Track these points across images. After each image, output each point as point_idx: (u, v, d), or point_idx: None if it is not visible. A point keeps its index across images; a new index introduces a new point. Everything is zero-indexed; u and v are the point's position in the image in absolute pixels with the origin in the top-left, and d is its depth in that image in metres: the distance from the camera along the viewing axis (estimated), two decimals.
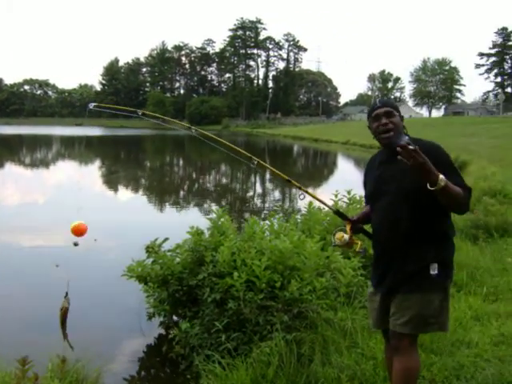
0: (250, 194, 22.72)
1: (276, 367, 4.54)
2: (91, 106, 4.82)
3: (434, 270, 3.42)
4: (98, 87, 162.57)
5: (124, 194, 21.71)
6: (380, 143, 3.66)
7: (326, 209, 7.78)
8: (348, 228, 4.04)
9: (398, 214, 3.51)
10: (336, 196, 8.00)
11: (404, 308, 3.48)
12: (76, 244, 3.91)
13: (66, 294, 3.91)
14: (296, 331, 5.10)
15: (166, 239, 6.56)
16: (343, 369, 4.63)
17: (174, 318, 6.49)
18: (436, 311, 3.46)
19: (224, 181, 28.14)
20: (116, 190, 23.05)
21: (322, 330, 5.22)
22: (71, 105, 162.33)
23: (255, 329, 5.26)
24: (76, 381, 4.70)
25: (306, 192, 4.41)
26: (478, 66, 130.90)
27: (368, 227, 4.05)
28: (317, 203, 8.55)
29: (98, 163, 36.89)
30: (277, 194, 21.55)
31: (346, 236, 3.97)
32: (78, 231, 3.98)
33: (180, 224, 8.74)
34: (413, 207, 3.45)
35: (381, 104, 3.61)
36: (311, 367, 4.64)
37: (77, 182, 23.51)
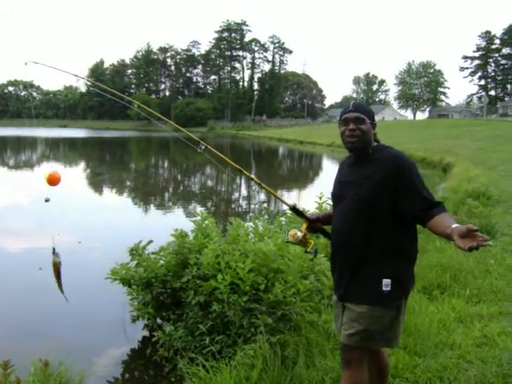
0: (236, 196, 22.73)
1: (260, 370, 4.53)
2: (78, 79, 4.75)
3: (386, 287, 3.30)
4: (83, 89, 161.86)
5: (109, 196, 21.64)
6: (345, 147, 3.58)
7: (311, 210, 7.79)
8: (304, 227, 4.00)
9: (352, 222, 3.43)
10: (320, 198, 8.01)
11: (352, 320, 3.39)
12: (47, 200, 3.83)
13: (54, 249, 3.85)
14: (280, 334, 5.09)
15: (150, 242, 6.55)
16: (327, 371, 4.63)
17: (158, 320, 6.47)
18: (384, 327, 3.36)
19: (209, 183, 28.13)
20: (101, 192, 22.98)
21: (306, 332, 5.23)
22: (56, 106, 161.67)
23: (239, 331, 5.27)
24: None
25: (260, 185, 4.31)
26: (462, 68, 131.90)
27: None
28: (301, 204, 8.58)
29: (82, 165, 36.76)
30: (262, 197, 21.57)
31: (300, 234, 3.92)
32: (53, 180, 3.89)
33: (164, 226, 8.72)
34: (368, 217, 3.36)
35: (353, 108, 3.50)
36: (295, 370, 4.63)
37: (61, 184, 23.40)
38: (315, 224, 4.03)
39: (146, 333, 6.67)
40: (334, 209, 3.71)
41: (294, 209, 4.12)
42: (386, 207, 3.30)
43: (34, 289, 8.60)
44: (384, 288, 3.30)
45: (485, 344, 5.31)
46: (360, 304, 3.38)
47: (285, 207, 4.35)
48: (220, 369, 4.61)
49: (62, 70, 4.82)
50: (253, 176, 4.33)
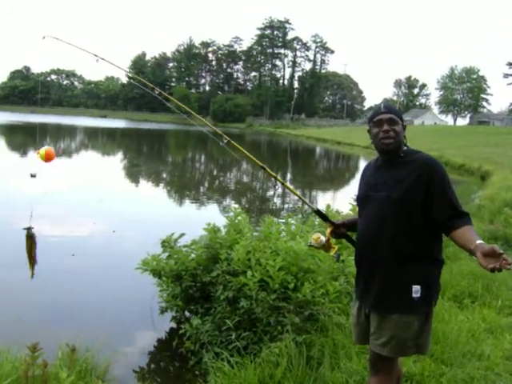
0: (270, 193, 22.70)
1: (284, 368, 4.52)
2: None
3: (416, 293, 3.26)
4: (124, 80, 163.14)
5: (144, 187, 21.81)
6: (377, 149, 3.52)
7: (345, 212, 7.75)
8: (328, 231, 3.91)
9: (381, 225, 3.37)
10: (355, 200, 7.95)
11: (382, 328, 3.35)
12: (33, 175, 3.80)
13: (29, 227, 3.83)
14: (306, 333, 5.08)
15: (182, 234, 6.59)
16: (351, 374, 4.60)
17: (186, 313, 6.50)
18: (415, 334, 3.31)
19: (245, 179, 28.15)
20: (137, 183, 23.18)
21: (333, 333, 5.20)
22: (97, 96, 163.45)
23: (266, 329, 5.26)
24: (85, 370, 4.73)
25: (283, 184, 4.26)
26: (506, 75, 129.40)
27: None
28: (336, 206, 8.54)
29: (120, 156, 37.11)
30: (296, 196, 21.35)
31: (323, 238, 3.84)
32: (49, 156, 3.85)
33: (197, 220, 8.77)
34: (398, 221, 3.31)
35: (385, 110, 3.44)
36: (319, 370, 4.62)
37: (98, 173, 23.72)
38: (340, 229, 3.93)
39: (174, 325, 6.71)
40: (361, 212, 3.65)
41: (318, 212, 4.06)
42: (416, 211, 3.27)
43: (64, 275, 8.72)
44: (414, 295, 3.27)
45: None
46: (389, 312, 3.34)
47: (319, 207, 4.30)
48: (244, 365, 4.62)
49: (81, 48, 4.81)
50: (277, 175, 4.24)
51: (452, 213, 3.25)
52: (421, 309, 3.32)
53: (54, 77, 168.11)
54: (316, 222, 7.69)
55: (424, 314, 3.34)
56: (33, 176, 3.80)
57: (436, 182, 3.26)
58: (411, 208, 3.28)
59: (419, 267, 3.31)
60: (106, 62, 4.73)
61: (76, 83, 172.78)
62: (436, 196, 3.25)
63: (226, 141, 4.25)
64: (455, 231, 3.20)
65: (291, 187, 4.34)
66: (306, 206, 4.29)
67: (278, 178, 4.23)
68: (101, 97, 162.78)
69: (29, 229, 3.90)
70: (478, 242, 2.99)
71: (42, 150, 3.97)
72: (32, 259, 4.02)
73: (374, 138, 3.50)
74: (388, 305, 3.35)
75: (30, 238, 3.91)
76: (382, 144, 3.43)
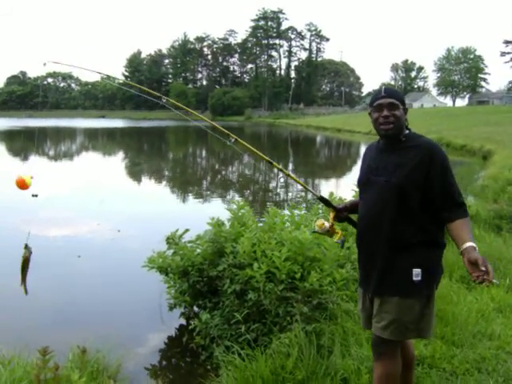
0: (273, 184, 22.71)
1: (295, 358, 4.52)
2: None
3: (417, 276, 3.27)
4: (121, 79, 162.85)
5: (147, 185, 21.82)
6: (378, 134, 3.52)
7: (348, 199, 7.75)
8: (331, 216, 3.94)
9: (382, 209, 3.39)
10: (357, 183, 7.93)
11: (383, 311, 3.37)
12: (35, 195, 3.75)
13: (26, 245, 3.80)
14: (316, 322, 5.08)
15: (187, 230, 6.59)
16: (363, 360, 4.61)
17: (195, 308, 6.50)
18: (416, 317, 3.33)
19: (247, 172, 28.13)
20: (139, 181, 23.21)
21: (342, 321, 5.21)
22: (94, 97, 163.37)
23: (275, 320, 5.26)
24: (97, 371, 4.75)
25: (289, 175, 4.29)
26: (503, 53, 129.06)
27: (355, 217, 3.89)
28: (339, 193, 8.52)
29: (121, 155, 37.12)
30: (300, 186, 21.36)
31: (327, 224, 3.87)
32: (22, 184, 3.76)
33: (201, 215, 8.76)
34: (398, 205, 3.32)
35: (386, 94, 3.41)
36: (331, 359, 4.61)
37: (100, 173, 23.74)
38: (342, 213, 3.95)
39: (183, 321, 6.72)
40: (362, 195, 3.66)
41: (321, 199, 4.07)
42: (415, 197, 3.27)
43: (71, 277, 8.73)
44: (414, 278, 3.28)
45: None
46: (390, 295, 3.35)
47: (323, 195, 4.29)
48: (255, 357, 4.62)
49: (84, 68, 4.85)
50: (282, 168, 4.26)
51: (449, 202, 3.27)
52: (422, 292, 3.33)
53: (50, 80, 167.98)
54: (320, 211, 7.68)
55: (425, 298, 3.35)
56: (34, 196, 3.77)
57: (436, 168, 3.26)
58: (411, 193, 3.28)
59: (419, 251, 3.32)
60: (169, 106, 4.72)
61: (73, 85, 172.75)
62: (435, 183, 3.25)
63: (233, 140, 4.22)
64: (450, 223, 3.26)
65: (295, 177, 4.35)
66: (310, 196, 4.31)
67: (285, 170, 4.25)
68: (98, 97, 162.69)
69: (26, 247, 3.86)
70: (468, 244, 3.08)
71: (18, 177, 3.88)
72: (24, 279, 3.98)
73: (374, 123, 3.49)
74: (389, 288, 3.37)
75: (25, 260, 3.88)
76: (382, 129, 3.42)
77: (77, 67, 4.91)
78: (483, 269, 2.93)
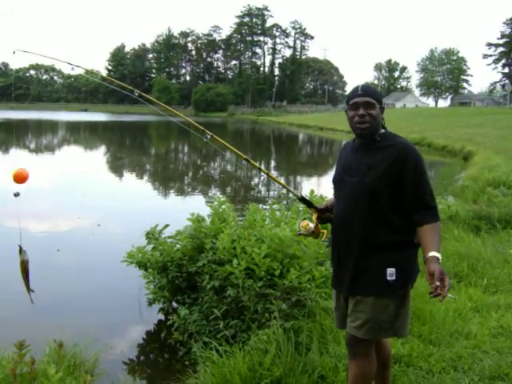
0: (255, 181, 22.70)
1: (273, 355, 4.52)
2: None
3: (391, 276, 3.26)
4: (104, 73, 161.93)
5: (128, 180, 21.73)
6: (353, 132, 3.47)
7: (329, 197, 7.76)
8: (314, 217, 3.86)
9: (354, 210, 3.37)
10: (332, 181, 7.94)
11: (358, 311, 3.36)
12: (17, 194, 3.64)
13: (20, 247, 3.73)
14: (294, 319, 5.09)
15: (167, 226, 6.59)
16: (341, 358, 4.62)
17: (174, 304, 6.49)
18: (391, 317, 3.32)
19: (229, 169, 28.11)
20: (120, 176, 23.10)
21: (321, 318, 5.22)
22: (77, 90, 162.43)
23: (253, 316, 5.26)
24: (74, 365, 4.71)
25: (267, 174, 4.25)
26: (485, 56, 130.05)
27: None
28: (320, 191, 8.55)
29: (102, 149, 36.95)
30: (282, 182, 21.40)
31: (312, 225, 3.79)
32: (20, 178, 3.65)
33: (182, 211, 8.75)
34: (371, 206, 3.30)
35: (362, 92, 3.34)
36: (308, 356, 4.62)
37: (82, 167, 23.60)
38: (325, 214, 3.85)
39: (162, 316, 6.70)
40: (336, 194, 3.63)
41: (302, 199, 4.00)
42: (388, 198, 3.27)
43: (49, 270, 8.67)
44: (389, 278, 3.27)
45: (501, 334, 5.29)
46: (365, 295, 3.34)
47: (304, 193, 4.29)
48: (233, 353, 4.61)
49: (53, 58, 4.75)
50: (261, 164, 4.27)
51: (419, 203, 3.26)
52: (396, 292, 3.32)
53: (32, 72, 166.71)
54: (301, 208, 7.69)
55: (400, 297, 3.34)
56: (16, 195, 3.68)
57: (409, 169, 3.24)
58: (383, 194, 3.27)
59: (393, 251, 3.32)
60: (143, 100, 4.65)
61: (56, 78, 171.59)
62: (407, 183, 3.24)
63: (209, 136, 4.14)
64: (419, 227, 3.26)
65: (275, 176, 4.33)
66: (291, 194, 4.26)
67: (262, 168, 4.22)
68: (81, 91, 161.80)
69: (20, 249, 3.80)
70: (430, 254, 3.10)
71: (13, 171, 3.80)
72: (27, 286, 3.95)
73: (349, 121, 3.45)
74: (363, 288, 3.35)
75: (24, 265, 3.83)
76: (357, 128, 3.38)
77: (46, 57, 4.84)
78: (437, 283, 2.95)
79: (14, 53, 4.17)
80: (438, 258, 3.08)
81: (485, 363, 4.62)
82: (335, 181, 3.63)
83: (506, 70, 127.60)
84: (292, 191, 4.28)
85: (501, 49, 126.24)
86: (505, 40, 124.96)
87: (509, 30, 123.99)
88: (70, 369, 4.62)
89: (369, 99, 3.33)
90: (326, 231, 3.93)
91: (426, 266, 3.08)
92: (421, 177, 3.27)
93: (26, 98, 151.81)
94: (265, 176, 22.43)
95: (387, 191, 3.26)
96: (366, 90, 3.38)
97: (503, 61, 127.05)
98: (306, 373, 4.42)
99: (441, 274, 2.98)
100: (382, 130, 3.44)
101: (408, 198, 3.26)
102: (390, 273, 3.26)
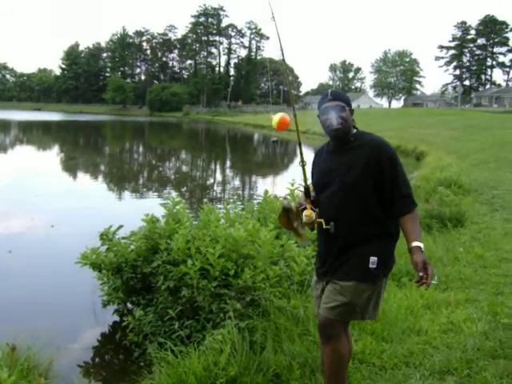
0: (211, 181, 22.69)
1: (228, 354, 4.54)
2: None
3: (373, 264, 3.42)
4: (58, 72, 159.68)
5: (82, 180, 21.48)
6: (327, 135, 3.66)
7: (282, 196, 7.80)
8: (309, 207, 3.76)
9: (339, 209, 3.52)
10: (292, 185, 7.99)
11: (336, 293, 3.49)
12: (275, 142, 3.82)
13: None
14: (249, 319, 5.11)
15: (121, 226, 6.54)
16: (295, 356, 4.66)
17: (129, 305, 6.46)
18: (366, 302, 3.48)
19: (184, 168, 28.03)
20: (74, 176, 22.81)
21: (275, 317, 5.25)
22: (30, 89, 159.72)
23: (208, 316, 5.28)
24: (27, 369, 4.66)
25: None
26: (437, 58, 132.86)
27: None
28: (275, 191, 8.59)
29: (56, 149, 36.46)
30: (237, 182, 21.59)
31: (314, 214, 3.76)
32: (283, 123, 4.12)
33: (137, 211, 8.70)
34: (355, 203, 3.48)
35: (332, 97, 3.56)
36: (263, 354, 4.65)
37: (35, 167, 23.23)
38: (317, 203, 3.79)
39: (117, 318, 6.66)
40: (320, 195, 3.71)
41: (306, 189, 3.89)
42: (370, 193, 3.45)
43: (2, 272, 8.54)
44: (370, 265, 3.43)
45: (451, 330, 5.40)
46: (346, 280, 3.47)
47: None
48: (188, 353, 4.62)
49: None
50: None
51: (397, 193, 3.45)
52: (375, 279, 3.48)
53: None
54: (255, 208, 7.72)
55: (376, 284, 3.50)
56: (274, 142, 3.81)
57: (385, 163, 3.43)
58: (365, 191, 3.45)
59: (376, 242, 3.49)
60: None
61: (8, 76, 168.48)
62: (386, 177, 3.43)
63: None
64: (400, 218, 3.47)
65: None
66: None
67: None
68: (34, 89, 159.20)
69: None
70: (413, 244, 3.33)
71: (276, 117, 4.01)
72: None
73: (322, 125, 3.62)
74: (347, 273, 3.49)
75: None
76: (331, 131, 3.55)
77: None
78: (421, 274, 3.17)
79: None
80: (420, 247, 3.30)
81: (435, 358, 4.71)
82: (316, 185, 3.77)
83: (457, 72, 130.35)
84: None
85: (452, 51, 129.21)
86: (456, 43, 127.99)
87: (459, 33, 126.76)
88: (24, 372, 4.57)
89: (339, 103, 3.54)
90: (322, 220, 3.86)
91: (411, 256, 3.31)
92: (396, 168, 3.47)
93: None
94: (220, 176, 22.54)
95: (369, 186, 3.44)
96: (336, 94, 3.61)
97: (454, 63, 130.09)
98: (260, 371, 4.46)
99: (424, 263, 3.21)
100: (354, 130, 3.63)
101: (387, 190, 3.44)
102: (373, 261, 3.43)
